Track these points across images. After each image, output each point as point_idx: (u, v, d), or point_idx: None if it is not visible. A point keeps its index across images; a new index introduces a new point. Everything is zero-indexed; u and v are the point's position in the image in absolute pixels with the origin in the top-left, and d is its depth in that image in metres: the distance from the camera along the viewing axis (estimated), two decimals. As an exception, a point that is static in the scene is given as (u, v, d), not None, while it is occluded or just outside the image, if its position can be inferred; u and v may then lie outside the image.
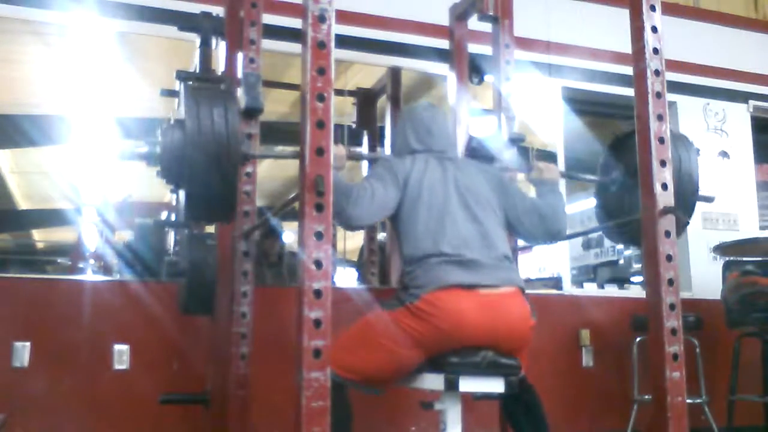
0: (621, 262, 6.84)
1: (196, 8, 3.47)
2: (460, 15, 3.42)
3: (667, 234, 2.04)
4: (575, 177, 3.21)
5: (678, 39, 2.64)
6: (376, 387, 2.42)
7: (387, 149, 4.76)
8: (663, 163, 2.08)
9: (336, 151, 1.97)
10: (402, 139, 2.68)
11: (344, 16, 3.16)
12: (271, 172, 6.41)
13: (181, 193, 2.21)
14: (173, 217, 4.12)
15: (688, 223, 2.31)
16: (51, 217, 7.82)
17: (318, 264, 1.74)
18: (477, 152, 3.00)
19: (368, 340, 2.34)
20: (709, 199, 2.56)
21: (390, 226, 2.53)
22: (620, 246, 6.64)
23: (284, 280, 4.49)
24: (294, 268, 4.21)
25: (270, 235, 4.57)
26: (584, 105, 4.80)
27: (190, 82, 3.19)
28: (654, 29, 2.14)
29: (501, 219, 2.52)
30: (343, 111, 4.98)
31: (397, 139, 2.72)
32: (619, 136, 2.77)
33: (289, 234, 4.90)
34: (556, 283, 4.47)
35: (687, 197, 2.43)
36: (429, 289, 2.27)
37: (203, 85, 2.33)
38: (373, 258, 4.86)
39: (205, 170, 2.02)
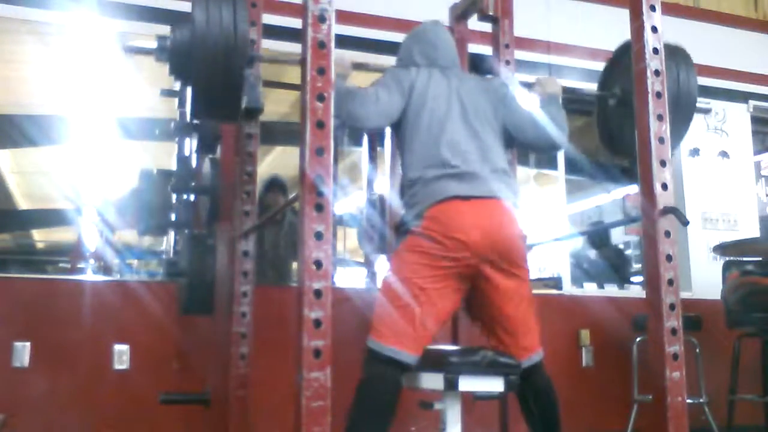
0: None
1: (196, 8, 3.47)
2: (460, 15, 3.42)
3: (667, 234, 2.04)
4: (577, 90, 3.23)
5: (678, 39, 2.64)
6: (413, 348, 2.29)
7: (387, 149, 4.75)
8: (663, 163, 2.08)
9: (339, 58, 1.97)
10: (407, 53, 2.69)
11: (344, 16, 3.17)
12: (272, 172, 6.40)
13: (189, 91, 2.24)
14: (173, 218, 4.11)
15: (689, 222, 2.31)
16: (51, 217, 7.82)
17: (318, 264, 1.74)
18: (479, 68, 3.01)
19: (394, 290, 2.29)
20: (706, 111, 2.59)
21: (394, 141, 2.55)
22: (620, 246, 6.65)
23: (284, 238, 4.44)
24: (295, 227, 4.14)
25: (273, 189, 4.52)
26: (585, 104, 4.79)
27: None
28: (654, 29, 2.14)
29: (500, 133, 2.55)
30: (343, 111, 4.97)
31: (402, 54, 2.73)
32: (618, 50, 2.80)
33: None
34: (556, 283, 4.47)
35: (685, 110, 2.46)
36: (429, 203, 2.30)
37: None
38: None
39: (212, 67, 2.07)
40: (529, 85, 2.76)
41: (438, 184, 2.34)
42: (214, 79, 2.10)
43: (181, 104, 3.57)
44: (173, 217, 4.01)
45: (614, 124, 2.82)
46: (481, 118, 2.50)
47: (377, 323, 2.28)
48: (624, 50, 2.78)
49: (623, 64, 2.73)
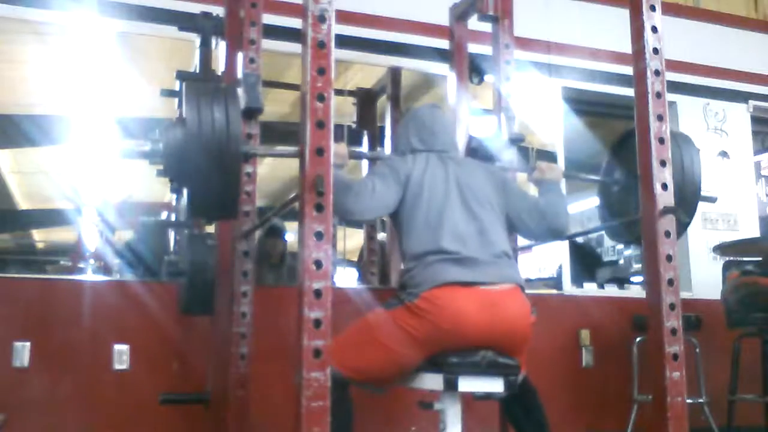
0: (621, 262, 6.83)
1: (196, 8, 3.47)
2: (460, 15, 3.42)
3: (667, 234, 2.04)
4: (577, 177, 3.21)
5: (678, 39, 2.63)
6: (376, 386, 2.43)
7: (387, 149, 4.76)
8: (663, 163, 2.08)
9: (337, 149, 1.97)
10: (404, 138, 2.68)
11: (344, 16, 3.16)
12: (272, 172, 6.41)
13: (184, 192, 2.22)
14: (173, 217, 4.12)
15: (689, 223, 2.31)
16: (51, 217, 7.82)
17: (318, 264, 1.74)
18: (477, 152, 3.00)
19: (368, 339, 2.34)
20: (711, 200, 2.57)
21: (391, 225, 2.54)
22: (620, 246, 6.64)
23: (285, 281, 4.49)
24: (295, 270, 4.20)
25: (272, 234, 4.57)
26: (584, 105, 4.80)
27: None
28: (654, 29, 2.14)
29: (501, 217, 2.52)
30: (343, 111, 4.98)
31: (399, 139, 2.73)
32: (623, 135, 2.77)
33: (291, 234, 4.91)
34: (556, 283, 4.47)
35: (689, 197, 2.43)
36: (427, 287, 2.27)
37: (204, 83, 2.33)
38: (373, 258, 4.86)
39: (206, 168, 2.03)
40: (529, 170, 2.75)
41: (438, 267, 2.31)
42: (208, 181, 2.07)
43: (181, 105, 3.57)
44: (173, 217, 4.02)
45: (618, 211, 2.76)
46: (481, 201, 2.47)
47: (343, 353, 2.29)
48: (623, 140, 2.74)
49: (624, 151, 2.68)
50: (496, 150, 3.04)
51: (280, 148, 2.47)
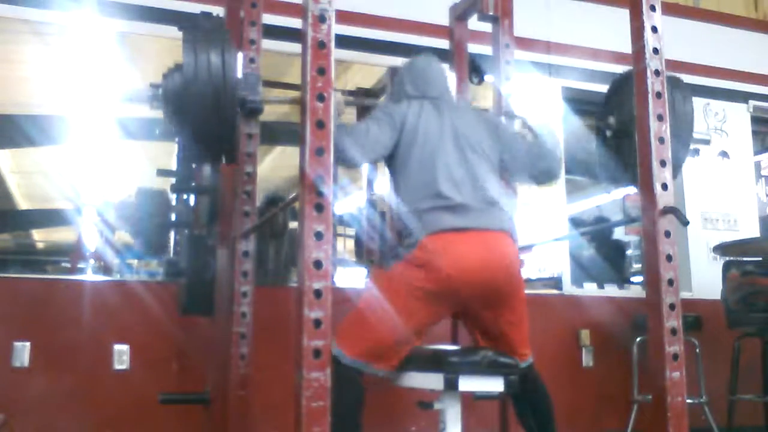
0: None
1: (196, 8, 3.46)
2: (460, 15, 3.42)
3: (667, 234, 2.03)
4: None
5: (678, 39, 2.63)
6: (387, 365, 2.35)
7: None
8: (663, 163, 2.08)
9: (335, 97, 1.98)
10: (399, 86, 2.70)
11: (344, 16, 3.16)
12: (272, 172, 6.41)
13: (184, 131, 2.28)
14: (173, 217, 4.11)
15: (689, 222, 2.31)
16: (51, 217, 7.81)
17: (318, 264, 1.74)
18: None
19: (371, 312, 2.32)
20: (706, 142, 2.59)
21: (387, 173, 2.55)
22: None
23: (286, 253, 4.46)
24: (296, 240, 4.18)
25: (274, 205, 4.55)
26: (584, 105, 4.79)
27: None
28: (654, 29, 2.14)
29: (494, 163, 2.54)
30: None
31: (395, 87, 2.74)
32: (617, 80, 2.79)
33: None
34: (556, 283, 4.47)
35: (684, 139, 2.46)
36: (422, 234, 2.30)
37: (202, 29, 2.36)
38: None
39: (204, 113, 2.09)
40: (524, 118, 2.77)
41: (432, 215, 2.33)
42: (206, 124, 2.12)
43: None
44: (173, 217, 4.01)
45: (611, 155, 2.78)
46: (475, 148, 2.49)
47: (352, 335, 2.29)
48: (619, 83, 2.76)
49: (618, 95, 2.72)
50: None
51: (279, 97, 2.52)
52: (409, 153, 2.45)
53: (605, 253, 5.59)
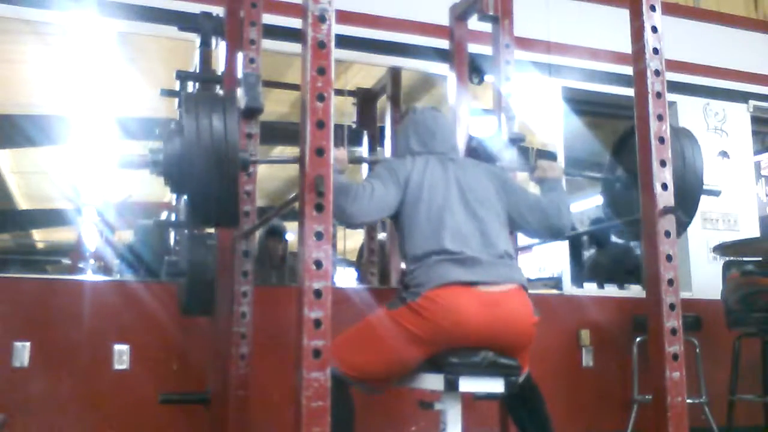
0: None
1: (196, 8, 3.47)
2: (460, 15, 3.42)
3: (667, 234, 2.03)
4: (578, 174, 3.20)
5: (678, 39, 2.63)
6: (376, 387, 2.43)
7: (387, 149, 4.76)
8: (663, 163, 2.08)
9: (337, 154, 1.98)
10: (403, 141, 2.68)
11: (344, 16, 3.16)
12: (272, 172, 6.40)
13: (184, 198, 2.24)
14: (173, 217, 4.12)
15: (690, 222, 2.31)
16: (51, 217, 7.81)
17: (318, 264, 1.74)
18: (477, 152, 3.00)
19: (370, 339, 2.34)
20: (715, 193, 2.57)
21: (392, 227, 2.53)
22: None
23: (287, 282, 4.49)
24: (295, 271, 4.21)
25: (273, 235, 4.57)
26: (584, 105, 4.80)
27: (189, 83, 3.20)
28: (654, 29, 2.14)
29: (502, 217, 2.52)
30: (343, 111, 4.98)
31: (399, 142, 2.72)
32: (623, 134, 2.77)
33: (291, 234, 4.91)
34: (556, 283, 4.47)
35: (692, 192, 2.43)
36: (429, 287, 2.27)
37: (202, 91, 2.34)
38: (373, 258, 4.85)
39: (206, 177, 2.05)
40: (530, 170, 2.75)
41: (440, 268, 2.31)
42: (208, 189, 2.09)
43: (181, 105, 3.57)
44: (173, 217, 4.02)
45: (622, 207, 2.74)
46: (482, 202, 2.47)
47: (344, 351, 2.30)
48: (625, 137, 2.73)
49: (625, 149, 2.68)
50: (496, 150, 3.04)
51: (279, 155, 2.49)
52: (415, 209, 2.43)
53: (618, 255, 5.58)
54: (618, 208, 2.77)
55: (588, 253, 5.96)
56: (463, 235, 2.37)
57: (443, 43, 3.65)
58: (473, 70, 3.77)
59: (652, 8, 2.15)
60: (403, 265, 2.53)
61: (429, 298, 2.26)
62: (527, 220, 2.56)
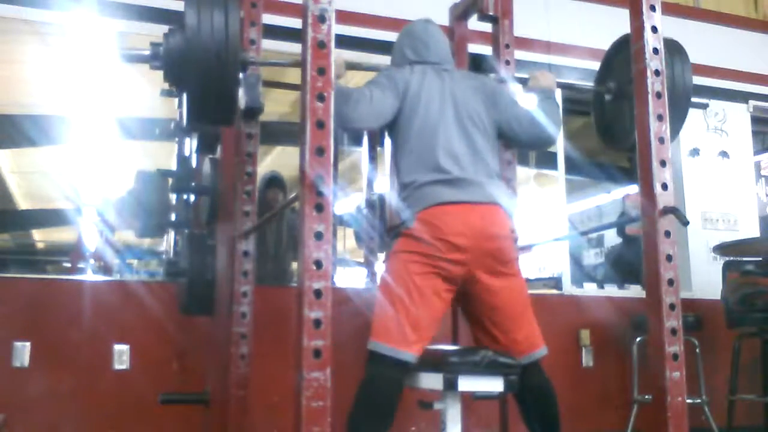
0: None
1: (196, 8, 3.47)
2: (460, 15, 3.42)
3: (667, 234, 2.04)
4: (572, 86, 3.31)
5: (678, 39, 2.64)
6: (407, 346, 2.29)
7: (387, 149, 4.75)
8: (663, 163, 2.08)
9: (335, 59, 1.98)
10: (398, 52, 2.69)
11: (344, 16, 3.16)
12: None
13: (185, 98, 2.29)
14: (173, 217, 4.11)
15: (689, 222, 2.31)
16: (51, 217, 7.82)
17: (318, 264, 1.74)
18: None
19: (392, 291, 2.30)
20: (703, 105, 2.60)
21: (388, 141, 2.54)
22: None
23: (283, 235, 4.46)
24: (294, 224, 4.18)
25: (273, 185, 4.54)
26: (584, 105, 4.79)
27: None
28: (654, 29, 2.14)
29: (493, 136, 2.54)
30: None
31: (395, 54, 2.72)
32: (616, 44, 2.81)
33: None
34: (556, 283, 4.47)
35: (681, 105, 2.50)
36: (421, 207, 2.31)
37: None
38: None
39: (205, 73, 2.08)
40: (524, 82, 2.78)
41: (431, 189, 2.35)
42: (207, 84, 2.11)
43: (181, 104, 3.57)
44: (173, 217, 4.01)
45: (611, 119, 2.84)
46: (474, 121, 2.49)
47: (376, 324, 2.29)
48: (618, 46, 2.81)
49: (618, 59, 2.77)
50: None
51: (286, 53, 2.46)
52: (410, 122, 2.45)
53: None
54: (607, 119, 2.84)
55: (594, 251, 5.94)
56: (455, 153, 2.40)
57: (443, 43, 3.65)
58: (473, 70, 3.77)
59: (652, 8, 2.16)
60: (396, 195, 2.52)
61: (422, 219, 2.30)
62: (515, 129, 2.58)
